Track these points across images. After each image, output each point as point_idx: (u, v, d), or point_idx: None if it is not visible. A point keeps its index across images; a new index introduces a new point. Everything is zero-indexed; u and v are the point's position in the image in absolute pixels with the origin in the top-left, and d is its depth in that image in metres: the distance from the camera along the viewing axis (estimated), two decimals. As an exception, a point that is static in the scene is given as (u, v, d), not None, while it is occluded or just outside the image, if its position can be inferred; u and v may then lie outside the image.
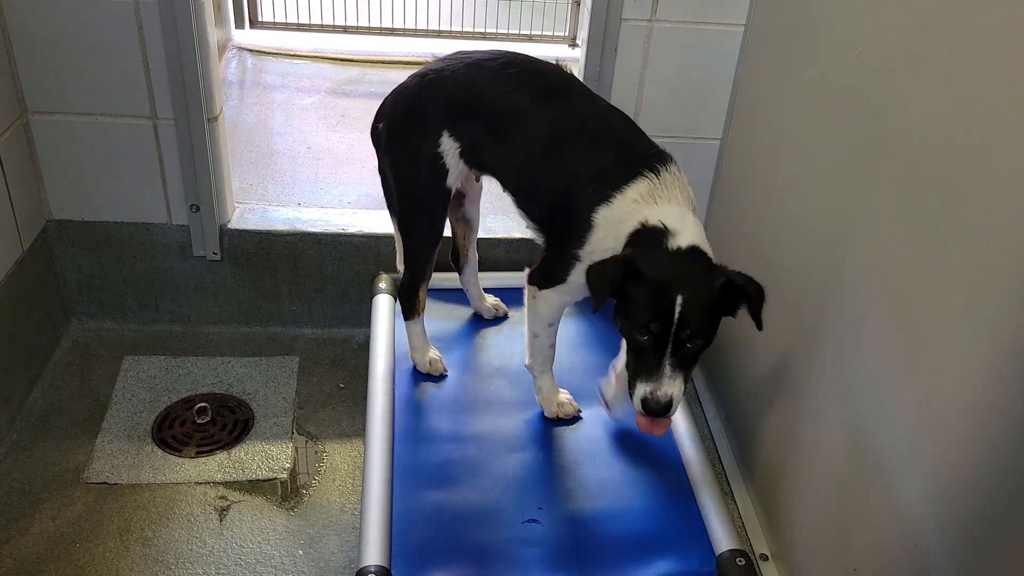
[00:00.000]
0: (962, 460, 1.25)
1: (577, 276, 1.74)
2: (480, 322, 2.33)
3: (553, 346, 1.94)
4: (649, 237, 1.59)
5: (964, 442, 1.25)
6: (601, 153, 1.71)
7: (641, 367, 1.56)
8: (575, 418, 2.02)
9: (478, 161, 1.86)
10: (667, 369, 1.53)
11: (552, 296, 1.82)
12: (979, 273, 1.23)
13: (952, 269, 1.29)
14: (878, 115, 1.53)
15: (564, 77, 1.81)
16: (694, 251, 1.57)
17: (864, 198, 1.56)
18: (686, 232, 1.58)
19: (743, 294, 1.55)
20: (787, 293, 1.88)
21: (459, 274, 2.27)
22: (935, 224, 1.34)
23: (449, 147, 1.83)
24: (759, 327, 1.55)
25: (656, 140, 2.34)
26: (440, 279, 2.31)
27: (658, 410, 1.54)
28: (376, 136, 1.95)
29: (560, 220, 1.75)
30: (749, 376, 2.11)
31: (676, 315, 1.49)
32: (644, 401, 1.55)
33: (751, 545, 1.94)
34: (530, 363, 1.97)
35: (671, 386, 1.53)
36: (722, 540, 1.74)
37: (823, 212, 1.73)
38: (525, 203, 1.85)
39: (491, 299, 2.34)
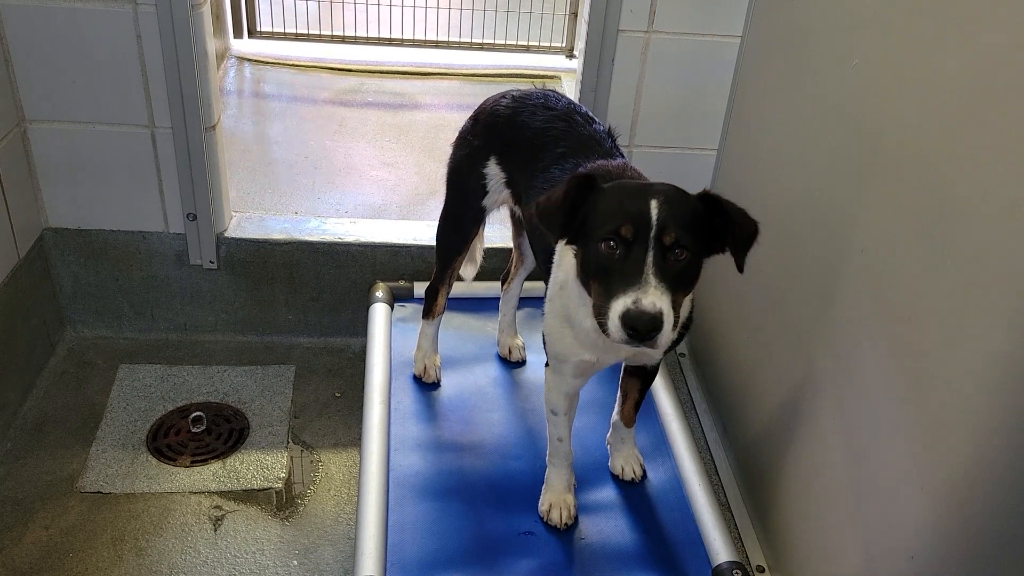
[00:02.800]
0: (958, 473, 1.25)
1: (551, 341, 1.60)
2: (484, 334, 2.33)
3: (563, 440, 1.75)
4: None
5: (961, 455, 1.25)
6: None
7: (616, 281, 1.27)
8: (565, 524, 1.79)
9: (518, 196, 1.85)
10: (651, 278, 1.24)
11: (547, 375, 1.70)
12: (976, 286, 1.23)
13: (949, 281, 1.29)
14: (874, 126, 1.53)
15: (599, 147, 1.69)
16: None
17: (860, 209, 1.56)
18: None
19: (728, 220, 1.34)
20: (784, 305, 1.88)
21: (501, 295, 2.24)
22: (932, 236, 1.34)
23: (494, 172, 1.86)
24: (739, 267, 1.36)
25: (653, 150, 2.40)
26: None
27: (644, 322, 1.22)
28: None
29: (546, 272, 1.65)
30: (746, 387, 2.11)
31: (654, 216, 1.26)
32: (626, 315, 1.23)
33: (747, 557, 1.93)
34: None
35: (659, 297, 1.23)
36: (719, 552, 1.74)
37: (819, 223, 1.73)
38: (536, 253, 1.81)
39: (519, 341, 2.26)
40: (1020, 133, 1.15)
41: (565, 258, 1.53)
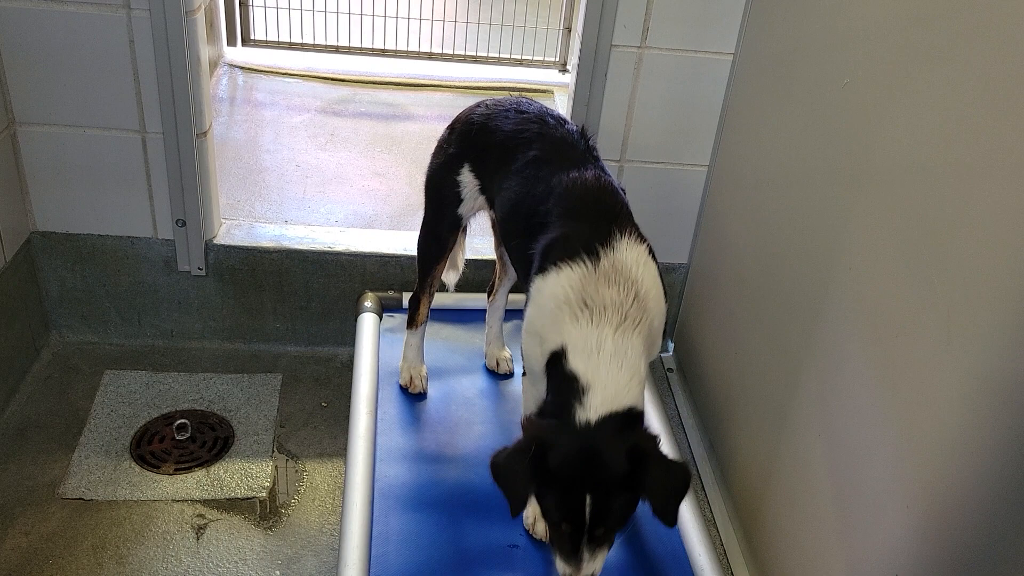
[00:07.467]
0: (944, 491, 1.25)
1: (528, 357, 1.60)
2: (472, 345, 2.32)
3: None
4: (561, 390, 1.43)
5: (945, 471, 1.25)
6: (563, 221, 1.57)
7: (557, 546, 1.48)
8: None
9: (492, 202, 1.86)
10: (584, 554, 1.44)
11: (525, 384, 1.72)
12: (963, 304, 1.24)
13: (936, 299, 1.30)
14: (863, 144, 1.54)
15: (573, 151, 1.70)
16: (606, 423, 1.40)
17: (849, 226, 1.57)
18: (600, 386, 1.41)
19: (651, 481, 1.40)
20: (772, 320, 1.89)
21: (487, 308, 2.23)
22: (919, 254, 1.35)
23: (468, 180, 1.87)
24: (671, 522, 1.42)
25: (644, 166, 2.41)
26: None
27: None
28: None
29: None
30: (733, 404, 2.11)
31: (587, 515, 1.40)
32: None
33: (733, 573, 1.93)
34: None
35: (590, 567, 1.45)
36: (704, 568, 1.74)
37: (808, 240, 1.74)
38: (512, 261, 1.82)
39: (506, 353, 2.24)
40: (1008, 152, 1.16)
41: (541, 292, 1.52)
